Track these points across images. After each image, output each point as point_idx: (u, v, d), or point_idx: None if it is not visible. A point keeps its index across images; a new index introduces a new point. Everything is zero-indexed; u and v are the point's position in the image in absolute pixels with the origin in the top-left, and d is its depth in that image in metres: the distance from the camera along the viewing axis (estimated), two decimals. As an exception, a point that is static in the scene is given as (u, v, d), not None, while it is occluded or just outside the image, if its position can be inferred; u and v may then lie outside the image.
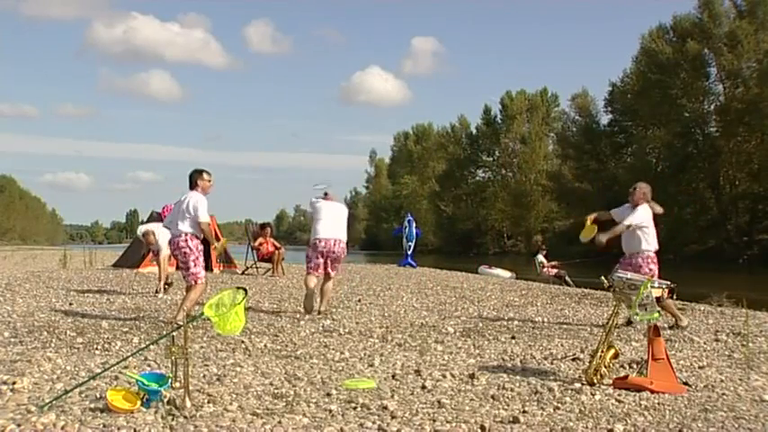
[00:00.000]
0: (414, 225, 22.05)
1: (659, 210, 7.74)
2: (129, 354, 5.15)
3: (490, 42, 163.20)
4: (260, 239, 15.62)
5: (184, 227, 7.04)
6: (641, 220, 7.43)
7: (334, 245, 8.07)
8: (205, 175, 7.27)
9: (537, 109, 68.96)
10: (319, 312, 8.03)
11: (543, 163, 67.96)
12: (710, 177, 45.86)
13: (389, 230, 54.74)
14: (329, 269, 8.19)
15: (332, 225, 8.13)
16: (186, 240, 7.04)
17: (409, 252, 21.43)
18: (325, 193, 8.49)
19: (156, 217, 15.68)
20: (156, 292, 10.15)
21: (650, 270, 7.25)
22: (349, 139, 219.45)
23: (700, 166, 46.14)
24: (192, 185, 7.23)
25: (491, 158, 73.62)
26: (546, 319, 8.29)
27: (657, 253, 7.54)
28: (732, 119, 42.65)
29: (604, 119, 57.22)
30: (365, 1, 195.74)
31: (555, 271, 17.74)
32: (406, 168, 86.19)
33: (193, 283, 7.09)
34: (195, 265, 7.08)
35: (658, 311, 5.04)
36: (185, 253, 7.07)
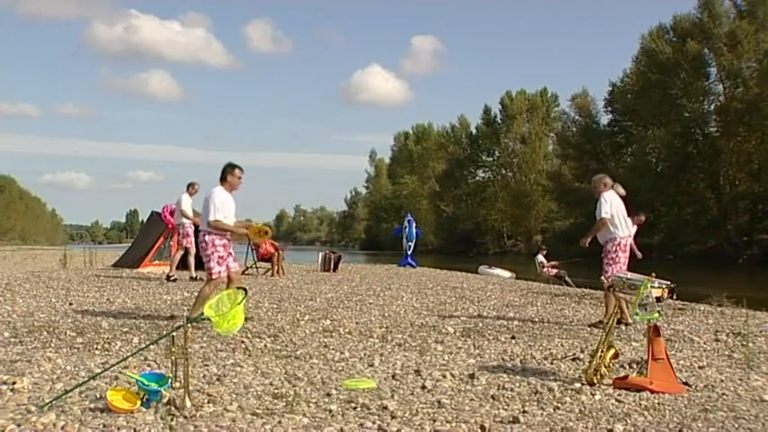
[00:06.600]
0: (414, 225, 22.08)
1: (622, 191, 7.81)
2: (129, 354, 5.14)
3: (490, 42, 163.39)
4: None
5: (202, 223, 7.22)
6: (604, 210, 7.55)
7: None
8: (237, 171, 7.26)
9: (537, 109, 68.99)
10: None
11: (543, 163, 68.01)
12: (710, 177, 45.86)
13: (389, 230, 54.73)
14: None
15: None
16: (203, 236, 7.15)
17: (409, 252, 21.44)
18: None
19: (155, 217, 15.68)
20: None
21: (616, 257, 7.41)
22: (349, 139, 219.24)
23: (700, 166, 46.14)
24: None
25: (491, 158, 73.67)
26: (546, 319, 8.29)
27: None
28: (732, 119, 42.68)
29: (604, 119, 57.35)
30: (365, 1, 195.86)
31: (555, 271, 17.75)
32: (406, 168, 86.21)
33: (208, 277, 7.12)
34: (209, 261, 7.08)
35: (658, 311, 5.04)
36: (203, 247, 7.18)
